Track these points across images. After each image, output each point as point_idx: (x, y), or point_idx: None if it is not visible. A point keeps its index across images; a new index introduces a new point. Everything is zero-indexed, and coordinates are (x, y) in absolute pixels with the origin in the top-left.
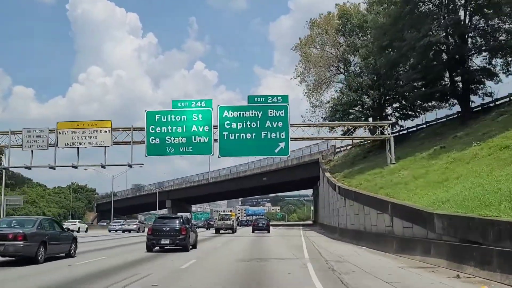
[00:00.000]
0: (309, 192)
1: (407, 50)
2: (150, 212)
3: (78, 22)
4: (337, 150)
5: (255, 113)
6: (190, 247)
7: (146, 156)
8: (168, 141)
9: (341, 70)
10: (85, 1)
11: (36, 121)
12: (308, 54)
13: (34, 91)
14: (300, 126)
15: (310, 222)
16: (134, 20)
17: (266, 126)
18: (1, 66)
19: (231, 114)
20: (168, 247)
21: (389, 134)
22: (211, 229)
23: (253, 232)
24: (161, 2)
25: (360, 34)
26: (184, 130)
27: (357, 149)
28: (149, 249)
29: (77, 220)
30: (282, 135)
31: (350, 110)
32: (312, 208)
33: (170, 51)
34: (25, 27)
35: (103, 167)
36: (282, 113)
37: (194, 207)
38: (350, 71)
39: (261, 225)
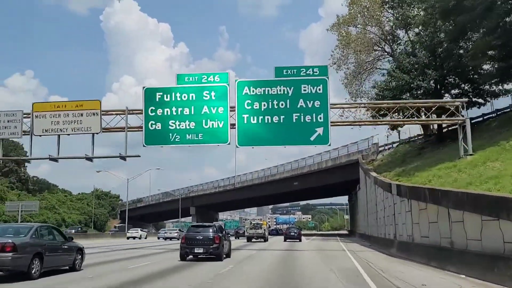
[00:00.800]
0: (343, 199)
1: (482, 11)
2: (178, 220)
3: (111, 33)
4: (380, 148)
5: (284, 90)
6: (224, 256)
7: (144, 146)
8: (172, 126)
9: (387, 51)
10: (118, 13)
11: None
12: (347, 34)
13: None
14: (344, 107)
15: (345, 231)
16: (166, 30)
17: (298, 106)
18: (38, 77)
19: (253, 91)
20: (201, 256)
21: (463, 116)
22: (240, 238)
23: (285, 240)
24: (192, 12)
25: (414, 3)
26: (193, 113)
27: (405, 146)
28: (183, 258)
29: (139, 229)
30: (320, 118)
31: (403, 96)
32: (346, 216)
33: (201, 60)
34: (60, 39)
35: (89, 159)
36: (319, 89)
37: (221, 215)
38: (399, 50)
39: (293, 234)
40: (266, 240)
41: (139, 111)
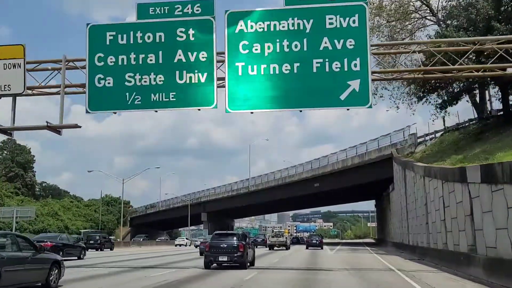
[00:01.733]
0: (367, 206)
1: None
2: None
3: None
4: (420, 140)
5: (299, 24)
6: (248, 264)
7: (87, 112)
8: (129, 82)
9: (428, 18)
10: None
11: (93, 140)
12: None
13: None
14: (391, 52)
15: (370, 240)
16: None
17: (321, 48)
18: None
19: (253, 27)
20: (225, 264)
21: None
22: (257, 246)
23: (307, 248)
24: None
25: None
26: (161, 61)
27: (454, 134)
28: (207, 266)
29: (185, 237)
30: (355, 65)
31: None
32: (370, 224)
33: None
34: (83, 49)
35: (7, 132)
36: (354, 20)
37: (238, 222)
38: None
39: (315, 241)
40: (288, 248)
41: (81, 60)
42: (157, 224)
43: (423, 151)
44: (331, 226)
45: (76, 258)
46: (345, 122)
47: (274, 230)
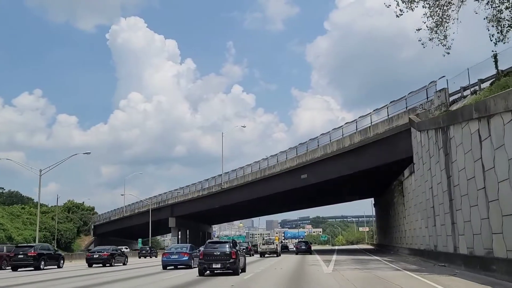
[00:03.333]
0: (357, 211)
1: None
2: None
3: (118, 50)
4: (454, 97)
5: None
6: (240, 270)
7: None
8: None
9: None
10: (125, 30)
11: (78, 149)
12: None
13: (77, 118)
14: None
15: (366, 246)
16: (172, 46)
17: None
18: (46, 95)
19: None
20: (219, 271)
21: None
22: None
23: (297, 253)
24: (198, 28)
25: None
26: None
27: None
28: (201, 273)
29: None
30: None
31: None
32: (363, 229)
33: (208, 75)
34: (68, 57)
35: None
36: None
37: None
38: None
39: (303, 247)
40: (278, 255)
41: None
42: (124, 232)
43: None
44: (320, 232)
45: None
46: (334, 126)
47: (265, 238)
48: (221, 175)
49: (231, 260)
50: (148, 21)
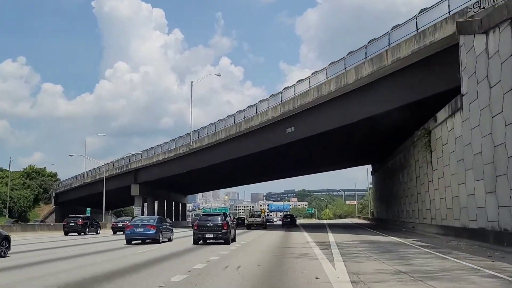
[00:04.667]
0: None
1: None
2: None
3: (104, 19)
4: None
5: None
6: (230, 240)
7: None
8: None
9: None
10: None
11: (64, 118)
12: None
13: (62, 88)
14: None
15: (359, 220)
16: (160, 16)
17: None
18: (30, 63)
19: None
20: (211, 240)
21: None
22: None
23: (283, 226)
24: None
25: None
26: None
27: None
28: (195, 242)
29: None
30: None
31: None
32: (350, 202)
33: (197, 47)
34: (53, 25)
35: None
36: None
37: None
38: None
39: (289, 220)
40: (265, 227)
41: None
42: (90, 201)
43: None
44: (306, 205)
45: None
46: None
47: (252, 211)
48: (189, 134)
49: (223, 231)
50: None
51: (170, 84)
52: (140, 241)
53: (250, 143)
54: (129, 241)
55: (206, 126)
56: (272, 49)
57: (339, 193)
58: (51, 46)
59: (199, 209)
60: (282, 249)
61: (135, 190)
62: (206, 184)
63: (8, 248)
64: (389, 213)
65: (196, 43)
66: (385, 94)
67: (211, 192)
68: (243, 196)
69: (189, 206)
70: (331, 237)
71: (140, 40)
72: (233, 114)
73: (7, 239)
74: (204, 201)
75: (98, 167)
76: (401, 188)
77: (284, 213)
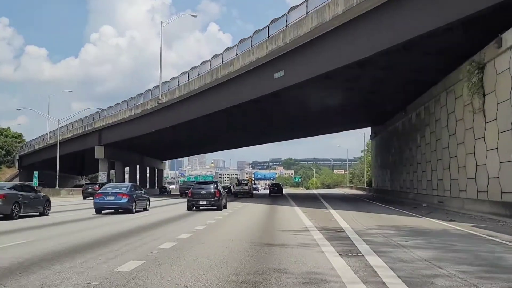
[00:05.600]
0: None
1: None
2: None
3: None
4: None
5: None
6: (222, 207)
7: None
8: None
9: None
10: None
11: (48, 83)
12: None
13: (47, 51)
14: None
15: (352, 190)
16: None
17: None
18: (13, 25)
19: None
20: (204, 207)
21: None
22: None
23: (269, 195)
24: None
25: None
26: None
27: None
28: (189, 208)
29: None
30: None
31: None
32: (338, 171)
33: (184, 11)
34: None
35: None
36: None
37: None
38: None
39: (276, 189)
40: (251, 195)
41: None
42: (60, 164)
43: None
44: (292, 174)
45: None
46: None
47: (239, 180)
48: (158, 86)
49: (216, 198)
50: None
51: (157, 49)
52: (112, 210)
53: (229, 94)
54: (98, 211)
55: (177, 77)
56: (262, 17)
57: (326, 162)
58: (35, 8)
59: (183, 177)
60: (264, 253)
61: (99, 152)
62: (184, 148)
63: (49, 208)
64: (395, 183)
65: (184, 8)
66: (415, 15)
67: (197, 158)
68: (229, 164)
69: (174, 173)
70: (338, 218)
71: (126, 3)
72: (208, 60)
73: (48, 201)
74: (190, 169)
75: (61, 126)
76: (417, 152)
77: (270, 182)
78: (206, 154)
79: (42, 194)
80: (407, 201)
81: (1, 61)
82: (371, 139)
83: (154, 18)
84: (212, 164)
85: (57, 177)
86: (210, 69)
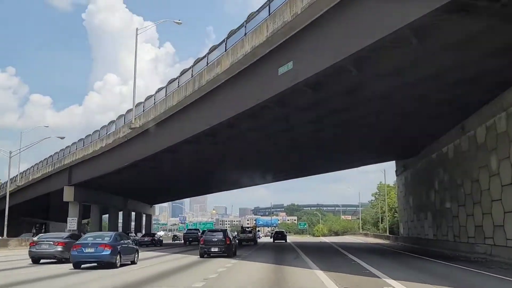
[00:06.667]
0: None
1: None
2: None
3: (95, 31)
4: None
5: None
6: (233, 253)
7: None
8: None
9: None
10: (102, 10)
11: (51, 130)
12: None
13: (51, 99)
14: None
15: (367, 238)
16: (151, 29)
17: None
18: (19, 75)
19: None
20: (216, 254)
21: None
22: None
23: (274, 241)
24: (178, 12)
25: None
26: None
27: None
28: (202, 256)
29: None
30: None
31: None
32: (345, 217)
33: (187, 60)
34: (43, 37)
35: None
36: None
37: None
38: None
39: (280, 235)
40: (256, 243)
41: None
42: (36, 209)
43: None
44: (295, 220)
45: None
46: None
47: (243, 227)
48: (132, 110)
49: (226, 245)
50: (127, 1)
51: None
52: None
53: (217, 106)
54: (76, 265)
55: (153, 95)
56: None
57: (330, 208)
58: (41, 57)
59: (182, 223)
60: None
61: (68, 194)
62: (174, 189)
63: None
64: (443, 230)
65: (187, 56)
66: None
67: (198, 205)
68: (231, 211)
69: (174, 220)
70: None
71: (130, 53)
72: (190, 67)
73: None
74: (192, 215)
75: (32, 166)
76: (492, 183)
77: (273, 228)
78: (207, 199)
79: None
80: (475, 257)
81: (7, 109)
82: (396, 175)
83: (157, 67)
84: (214, 211)
85: (5, 224)
86: (192, 76)
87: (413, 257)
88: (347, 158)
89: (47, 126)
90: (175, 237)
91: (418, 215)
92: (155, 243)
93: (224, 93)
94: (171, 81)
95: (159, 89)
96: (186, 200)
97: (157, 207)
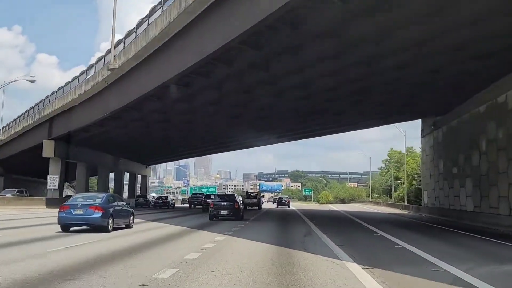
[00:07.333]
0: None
1: None
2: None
3: None
4: None
5: None
6: (241, 217)
7: None
8: None
9: None
10: None
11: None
12: None
13: (57, 59)
14: None
15: (380, 207)
16: None
17: None
18: (26, 33)
19: None
20: (224, 217)
21: None
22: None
23: (277, 207)
24: None
25: None
26: None
27: None
28: (211, 218)
29: None
30: None
31: None
32: (351, 184)
33: None
34: None
35: None
36: None
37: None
38: None
39: (284, 201)
40: (260, 208)
41: None
42: (26, 167)
43: None
44: (299, 186)
45: None
46: None
47: (248, 192)
48: (110, 50)
49: (235, 209)
50: None
51: None
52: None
53: (212, 31)
54: (65, 228)
55: (133, 28)
56: None
57: (334, 176)
58: (47, 17)
59: (185, 186)
60: None
61: (48, 149)
62: (170, 147)
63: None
64: (485, 201)
65: None
66: None
67: (203, 168)
68: (235, 175)
69: (178, 183)
70: None
71: (138, 15)
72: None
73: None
74: (196, 179)
75: (14, 119)
76: None
77: (275, 194)
78: (211, 162)
79: None
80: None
81: (13, 68)
82: (422, 135)
83: None
84: (218, 175)
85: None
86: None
87: (456, 233)
88: (368, 113)
89: (33, 77)
90: (184, 201)
91: (451, 183)
92: (168, 205)
93: (215, 23)
94: (155, 6)
95: (141, 21)
96: (191, 164)
97: (162, 170)
